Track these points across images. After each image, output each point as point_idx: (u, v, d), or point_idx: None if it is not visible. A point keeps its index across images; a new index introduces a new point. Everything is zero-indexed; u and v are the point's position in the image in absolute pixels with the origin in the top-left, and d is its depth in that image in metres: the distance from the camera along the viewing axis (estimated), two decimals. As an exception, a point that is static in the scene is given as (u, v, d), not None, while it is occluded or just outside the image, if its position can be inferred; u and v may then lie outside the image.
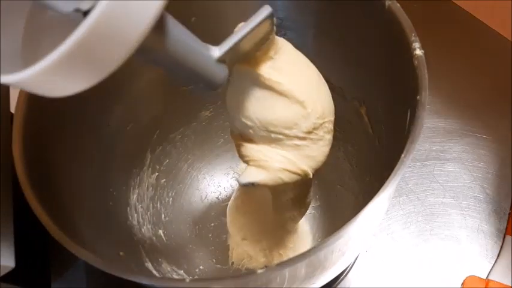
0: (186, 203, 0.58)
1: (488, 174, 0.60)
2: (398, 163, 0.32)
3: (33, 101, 0.40)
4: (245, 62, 0.36)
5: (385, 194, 0.32)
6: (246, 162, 0.40)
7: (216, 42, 0.33)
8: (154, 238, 0.52)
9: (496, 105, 0.65)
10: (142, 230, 0.51)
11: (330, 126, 0.40)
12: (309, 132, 0.38)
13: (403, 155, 0.33)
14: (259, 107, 0.37)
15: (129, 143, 0.52)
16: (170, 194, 0.57)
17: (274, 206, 0.49)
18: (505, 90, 0.65)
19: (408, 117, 0.37)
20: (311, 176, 0.40)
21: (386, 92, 0.43)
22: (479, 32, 0.72)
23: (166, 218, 0.55)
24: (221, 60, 0.32)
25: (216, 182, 0.60)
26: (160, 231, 0.53)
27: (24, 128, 0.39)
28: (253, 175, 0.39)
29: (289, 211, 0.49)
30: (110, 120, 0.50)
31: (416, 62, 0.36)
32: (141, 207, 0.53)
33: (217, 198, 0.60)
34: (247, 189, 0.55)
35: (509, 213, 0.57)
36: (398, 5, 0.38)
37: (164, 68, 0.31)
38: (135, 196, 0.52)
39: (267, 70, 0.36)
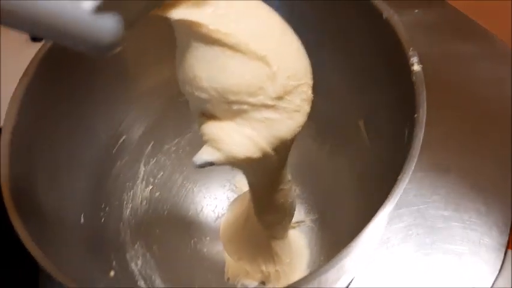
0: (181, 216, 0.57)
1: (489, 186, 0.58)
2: (395, 185, 0.31)
3: (23, 115, 0.39)
4: (160, 10, 0.28)
5: (379, 218, 0.31)
6: (205, 141, 0.34)
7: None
8: (148, 254, 0.51)
9: (497, 115, 0.63)
10: (136, 246, 0.50)
11: (309, 91, 0.33)
12: (280, 98, 0.31)
13: (399, 177, 0.31)
14: (212, 72, 0.30)
15: (122, 156, 0.51)
16: (165, 208, 0.56)
17: (255, 207, 0.45)
18: (506, 100, 0.63)
19: (406, 134, 0.36)
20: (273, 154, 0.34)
21: (385, 106, 0.42)
22: (480, 38, 0.71)
23: (161, 233, 0.54)
24: (102, 10, 0.24)
25: (212, 195, 0.59)
26: (155, 247, 0.52)
27: (12, 143, 0.38)
28: (209, 153, 0.34)
29: (272, 212, 0.45)
30: (102, 133, 0.49)
31: (414, 78, 0.34)
32: (135, 222, 0.51)
33: (213, 211, 0.59)
34: (235, 204, 0.54)
35: (511, 227, 0.55)
36: (396, 17, 0.37)
37: (20, 28, 0.24)
38: (128, 211, 0.51)
39: (209, 19, 0.28)
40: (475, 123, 0.64)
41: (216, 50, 0.29)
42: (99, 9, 0.24)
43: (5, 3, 0.21)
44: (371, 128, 0.47)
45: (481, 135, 0.62)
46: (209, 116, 0.33)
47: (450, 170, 0.60)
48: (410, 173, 0.31)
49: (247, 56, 0.29)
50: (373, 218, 0.30)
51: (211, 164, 0.34)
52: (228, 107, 0.31)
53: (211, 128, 0.33)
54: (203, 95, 0.31)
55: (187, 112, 0.56)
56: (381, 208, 0.30)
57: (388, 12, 0.37)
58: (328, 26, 0.44)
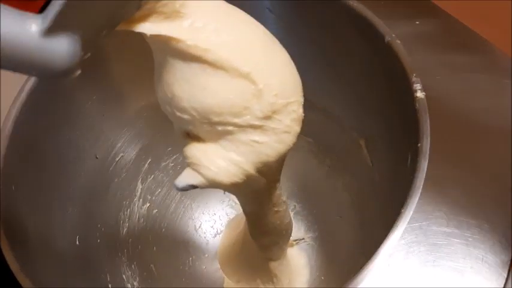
0: (179, 233, 0.56)
1: (492, 202, 0.58)
2: (398, 219, 0.30)
3: (15, 141, 0.39)
4: (129, 24, 0.25)
5: (383, 254, 0.30)
6: (188, 164, 0.32)
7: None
8: (144, 273, 0.50)
9: (497, 129, 0.62)
10: (132, 266, 0.49)
11: (299, 110, 0.30)
12: (268, 118, 0.29)
13: (402, 210, 0.31)
14: (192, 92, 0.28)
15: (119, 175, 0.51)
16: (162, 225, 0.55)
17: (250, 229, 0.43)
18: (506, 112, 0.62)
19: (409, 161, 0.35)
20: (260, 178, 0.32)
21: (387, 128, 0.42)
22: (480, 49, 0.70)
23: (158, 251, 0.53)
24: (53, 32, 0.21)
25: (210, 211, 0.58)
26: (152, 266, 0.51)
27: (4, 169, 0.37)
28: (192, 177, 0.31)
29: (267, 235, 0.43)
30: (98, 153, 0.48)
31: (417, 105, 0.33)
32: (131, 241, 0.51)
33: (211, 227, 0.58)
34: (232, 225, 0.54)
35: (514, 246, 0.54)
36: (399, 41, 0.36)
37: None
38: (125, 230, 0.50)
39: (187, 34, 0.26)
40: (477, 137, 0.63)
41: (195, 68, 0.27)
42: (50, 31, 0.21)
43: None
44: (373, 148, 0.46)
45: (483, 149, 0.62)
46: (193, 137, 0.31)
47: (452, 185, 0.59)
48: (414, 206, 0.30)
49: (229, 73, 0.27)
50: (375, 255, 0.29)
51: (194, 187, 0.32)
52: (212, 128, 0.29)
53: (194, 151, 0.31)
54: (184, 116, 0.29)
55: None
56: (382, 245, 0.29)
57: (390, 36, 0.36)
58: (330, 48, 0.43)
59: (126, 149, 0.51)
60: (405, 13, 0.69)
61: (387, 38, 0.36)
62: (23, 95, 0.39)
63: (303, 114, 0.31)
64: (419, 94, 0.33)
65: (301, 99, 0.31)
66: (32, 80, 0.39)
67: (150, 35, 0.26)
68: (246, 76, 0.27)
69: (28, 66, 0.22)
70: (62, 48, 0.22)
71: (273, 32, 0.30)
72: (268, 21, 0.41)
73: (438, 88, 0.64)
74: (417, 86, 0.34)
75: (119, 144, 0.50)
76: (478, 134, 0.62)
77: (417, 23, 0.69)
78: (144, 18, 0.25)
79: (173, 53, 0.27)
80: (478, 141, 0.62)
